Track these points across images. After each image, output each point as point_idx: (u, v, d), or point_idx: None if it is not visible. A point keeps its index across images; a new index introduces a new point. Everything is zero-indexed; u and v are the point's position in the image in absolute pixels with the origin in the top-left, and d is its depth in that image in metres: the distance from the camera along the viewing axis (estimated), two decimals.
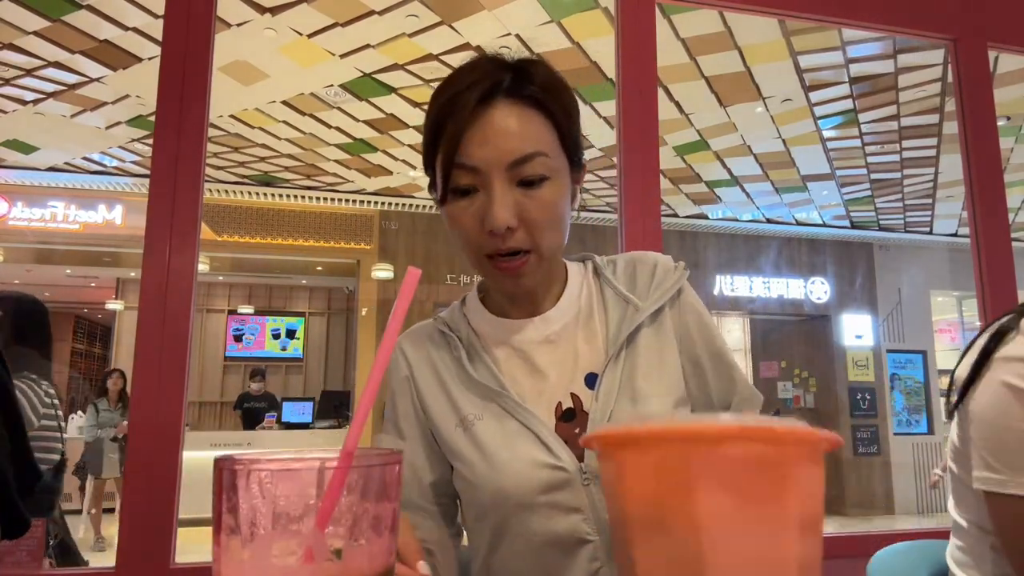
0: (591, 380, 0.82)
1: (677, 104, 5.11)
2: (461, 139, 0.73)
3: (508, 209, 0.73)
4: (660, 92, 1.90)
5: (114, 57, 4.34)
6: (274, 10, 3.86)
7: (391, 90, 4.89)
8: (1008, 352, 0.88)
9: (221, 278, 9.82)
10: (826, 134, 5.80)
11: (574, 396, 0.82)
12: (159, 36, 1.60)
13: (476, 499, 0.81)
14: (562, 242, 0.80)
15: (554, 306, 0.86)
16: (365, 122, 5.46)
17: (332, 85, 4.83)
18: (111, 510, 5.89)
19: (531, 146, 0.74)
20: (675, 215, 8.06)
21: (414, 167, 6.51)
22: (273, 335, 10.14)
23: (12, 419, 0.82)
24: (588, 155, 1.05)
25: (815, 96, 5.06)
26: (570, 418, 0.81)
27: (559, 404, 0.81)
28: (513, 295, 0.84)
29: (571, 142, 0.80)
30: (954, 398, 0.94)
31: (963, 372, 0.94)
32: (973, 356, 0.93)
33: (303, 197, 7.28)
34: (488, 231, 0.74)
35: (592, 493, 0.77)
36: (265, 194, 7.20)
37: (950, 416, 0.95)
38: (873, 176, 6.84)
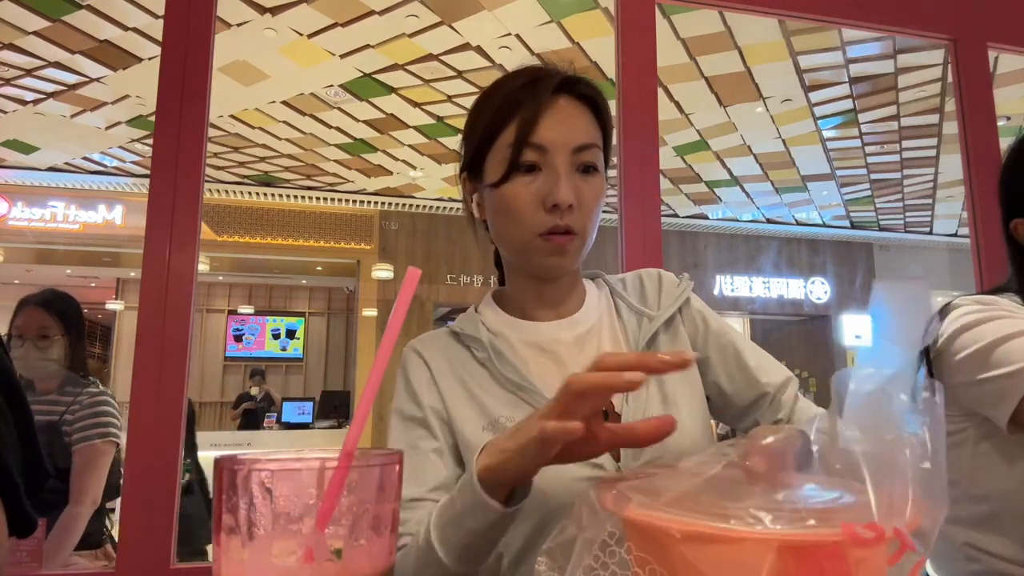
0: None
1: (677, 104, 5.11)
2: (537, 120, 0.80)
3: (571, 188, 0.80)
4: (660, 92, 1.90)
5: (114, 57, 4.34)
6: (274, 10, 3.86)
7: (391, 90, 4.89)
8: (945, 328, 0.98)
9: (221, 278, 9.83)
10: (826, 134, 5.80)
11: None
12: (159, 36, 1.60)
13: None
14: (595, 234, 0.86)
15: (578, 310, 0.90)
16: (365, 122, 5.46)
17: (332, 85, 4.84)
18: (111, 510, 5.89)
19: (590, 137, 0.83)
20: (675, 215, 8.06)
21: (414, 167, 6.51)
22: (273, 335, 10.14)
23: (22, 417, 0.83)
24: None
25: (815, 96, 5.06)
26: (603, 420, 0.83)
27: None
28: (551, 273, 0.87)
29: (608, 149, 0.88)
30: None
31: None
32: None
33: (303, 197, 7.28)
34: (551, 205, 0.80)
35: None
36: (265, 194, 7.20)
37: None
38: (873, 176, 6.85)
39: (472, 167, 0.87)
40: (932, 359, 1.00)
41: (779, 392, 0.89)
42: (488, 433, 0.82)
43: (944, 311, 1.01)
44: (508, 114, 0.81)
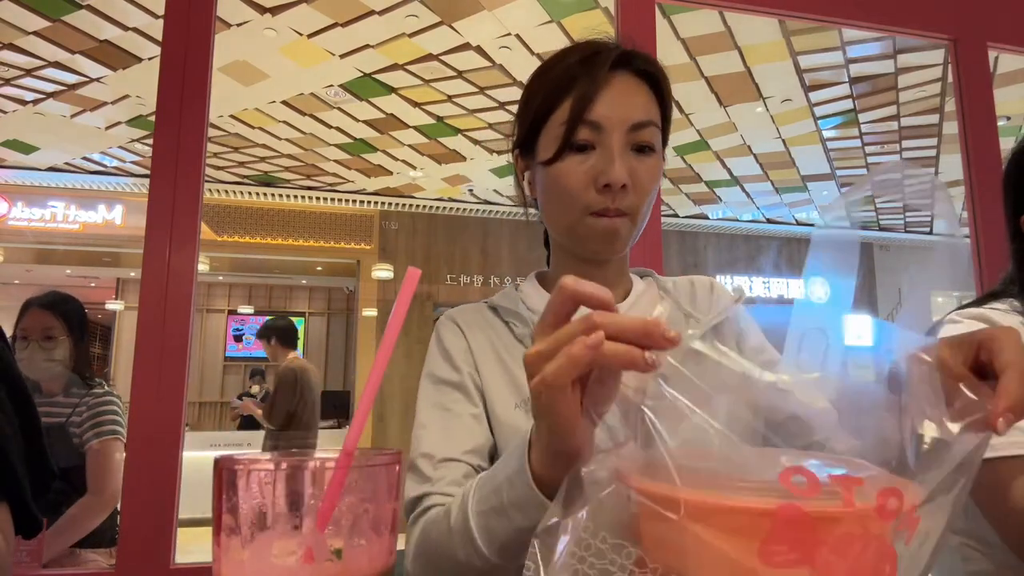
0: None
1: (677, 104, 5.11)
2: (593, 97, 0.77)
3: (625, 167, 0.77)
4: None
5: (114, 57, 4.34)
6: (274, 10, 3.86)
7: (391, 90, 4.89)
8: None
9: (221, 278, 9.82)
10: (826, 134, 5.80)
11: None
12: (159, 36, 1.60)
13: None
14: (647, 218, 0.84)
15: (623, 300, 0.88)
16: (365, 122, 5.46)
17: (332, 85, 4.83)
18: None
19: (648, 115, 0.80)
20: (675, 215, 8.06)
21: (414, 167, 6.51)
22: None
23: (27, 418, 0.83)
24: None
25: (815, 96, 5.06)
26: None
27: None
28: (600, 255, 0.85)
29: (667, 129, 0.85)
30: None
31: None
32: None
33: (303, 197, 7.28)
34: (603, 185, 0.77)
35: None
36: (265, 194, 7.20)
37: None
38: None
39: (525, 144, 0.85)
40: None
41: None
42: (520, 411, 0.80)
43: (936, 328, 0.99)
44: (563, 90, 0.79)
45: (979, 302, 1.00)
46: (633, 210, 0.80)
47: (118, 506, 2.00)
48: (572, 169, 0.79)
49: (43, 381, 1.96)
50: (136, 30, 4.02)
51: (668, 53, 4.26)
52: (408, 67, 4.56)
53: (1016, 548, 0.84)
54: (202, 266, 7.08)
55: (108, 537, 1.95)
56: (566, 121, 0.78)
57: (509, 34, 4.14)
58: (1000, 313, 0.94)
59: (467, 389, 0.83)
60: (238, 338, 10.01)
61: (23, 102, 5.03)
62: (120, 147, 5.92)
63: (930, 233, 8.81)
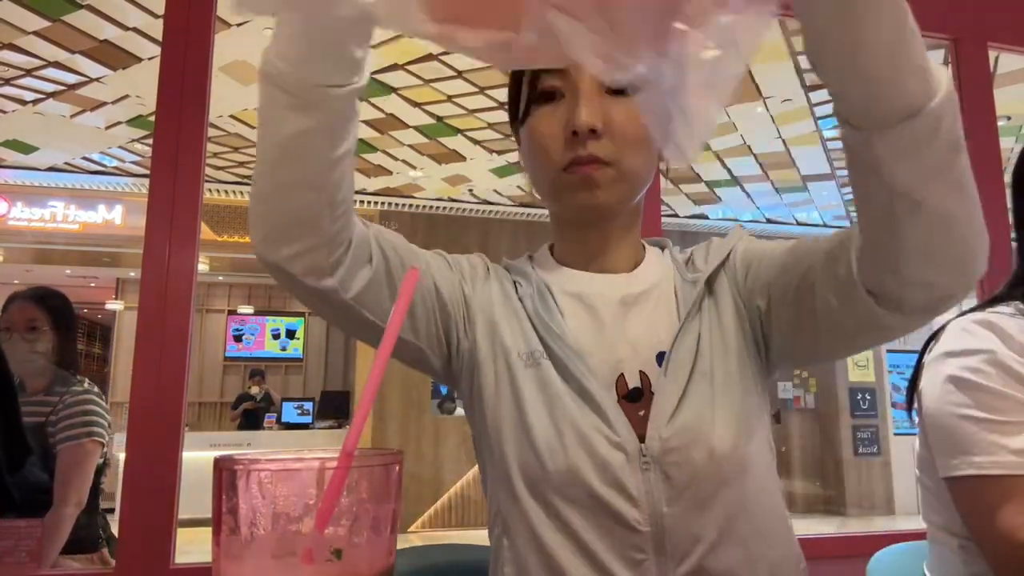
0: (661, 359, 0.74)
1: None
2: None
3: (594, 110, 0.70)
4: None
5: (114, 57, 4.34)
6: None
7: (391, 90, 4.89)
8: (938, 350, 0.94)
9: (221, 278, 9.82)
10: (826, 134, 5.80)
11: (643, 374, 0.74)
12: (159, 36, 1.60)
13: (519, 455, 0.72)
14: (644, 171, 0.76)
15: (631, 272, 0.80)
16: (365, 122, 5.46)
17: None
18: (111, 510, 5.88)
19: None
20: (675, 215, 8.06)
21: (414, 167, 6.51)
22: (273, 335, 10.14)
23: (2, 391, 0.82)
24: None
25: (815, 96, 5.06)
26: (636, 398, 0.73)
27: (622, 378, 0.73)
28: (586, 213, 0.77)
29: None
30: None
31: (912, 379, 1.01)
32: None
33: None
34: (571, 132, 0.71)
35: (650, 480, 0.68)
36: None
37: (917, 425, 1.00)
38: None
39: (514, 113, 0.80)
40: (923, 365, 0.98)
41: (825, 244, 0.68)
42: (520, 364, 0.74)
43: (938, 334, 0.98)
44: None
45: (982, 306, 0.99)
46: (614, 158, 0.72)
47: (114, 510, 1.99)
48: (542, 123, 0.74)
49: (26, 377, 1.92)
50: (136, 30, 4.02)
51: None
52: (408, 67, 4.56)
53: (997, 568, 0.85)
54: (202, 266, 7.08)
55: (90, 543, 1.92)
56: (529, 74, 0.74)
57: None
58: (1006, 317, 0.93)
59: (459, 264, 0.80)
60: (238, 338, 10.01)
61: (23, 102, 5.02)
62: (120, 147, 5.92)
63: None
